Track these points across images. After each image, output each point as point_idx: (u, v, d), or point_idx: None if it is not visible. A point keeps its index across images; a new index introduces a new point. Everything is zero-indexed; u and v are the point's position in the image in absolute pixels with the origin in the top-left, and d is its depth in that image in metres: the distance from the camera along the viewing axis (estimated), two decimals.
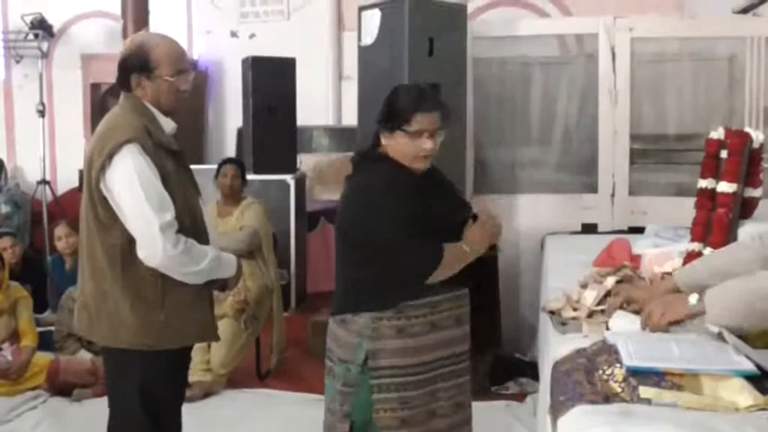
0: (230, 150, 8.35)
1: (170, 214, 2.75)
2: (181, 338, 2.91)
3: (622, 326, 2.67)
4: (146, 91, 2.88)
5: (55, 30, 8.61)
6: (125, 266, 2.79)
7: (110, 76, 8.60)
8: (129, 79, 2.88)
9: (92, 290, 2.87)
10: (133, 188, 2.72)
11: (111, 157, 2.73)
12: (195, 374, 5.02)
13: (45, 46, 8.60)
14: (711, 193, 3.32)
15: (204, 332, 3.02)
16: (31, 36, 8.45)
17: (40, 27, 8.40)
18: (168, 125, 2.95)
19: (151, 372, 2.87)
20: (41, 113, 8.33)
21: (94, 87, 8.35)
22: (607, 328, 2.67)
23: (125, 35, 5.87)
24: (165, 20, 7.81)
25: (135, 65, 2.87)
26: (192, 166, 3.06)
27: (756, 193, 3.30)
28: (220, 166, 5.56)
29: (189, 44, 8.74)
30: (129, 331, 2.81)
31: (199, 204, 2.99)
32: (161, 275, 2.80)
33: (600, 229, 5.47)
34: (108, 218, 2.79)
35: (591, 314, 2.90)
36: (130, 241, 2.77)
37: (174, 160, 2.89)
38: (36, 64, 8.54)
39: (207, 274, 2.87)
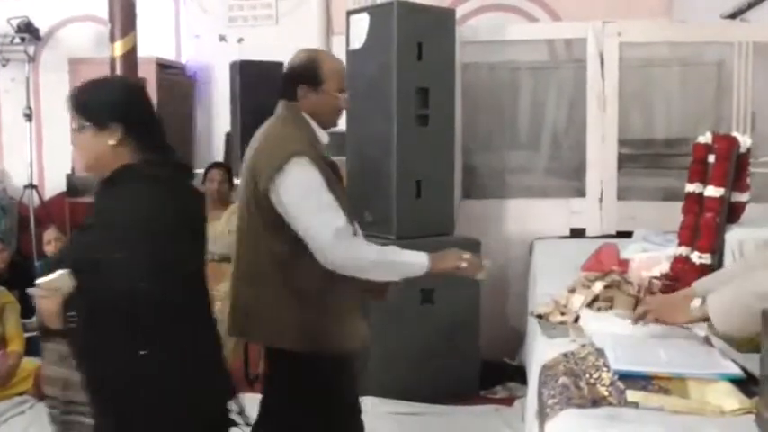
0: (219, 155, 8.31)
1: (342, 219, 2.82)
2: (339, 344, 2.95)
3: (598, 327, 2.68)
4: (309, 102, 2.98)
5: (42, 33, 8.56)
6: (289, 272, 2.87)
7: None
8: (295, 89, 2.98)
9: (252, 294, 2.97)
10: (307, 197, 2.80)
11: (281, 167, 2.79)
12: None
13: (32, 50, 8.54)
14: (699, 198, 3.34)
15: (362, 339, 3.04)
16: (17, 40, 8.39)
17: (27, 31, 8.35)
18: (324, 138, 3.04)
19: (312, 374, 2.93)
20: (28, 118, 8.29)
21: None
22: None
23: (112, 39, 5.83)
24: (152, 24, 7.79)
25: (304, 76, 2.98)
26: None
27: (743, 197, 3.30)
28: (207, 170, 5.55)
29: (177, 48, 8.72)
30: (290, 334, 2.88)
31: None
32: (323, 282, 2.86)
33: (588, 234, 5.48)
34: (276, 225, 2.85)
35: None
36: (294, 247, 2.83)
37: (332, 172, 2.98)
38: (23, 68, 8.49)
39: (385, 270, 2.89)
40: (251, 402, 4.96)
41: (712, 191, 3.23)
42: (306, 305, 2.88)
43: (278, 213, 2.84)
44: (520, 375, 4.92)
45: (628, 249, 3.85)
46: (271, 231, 2.87)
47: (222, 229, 5.32)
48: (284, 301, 2.88)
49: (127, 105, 2.48)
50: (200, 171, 5.73)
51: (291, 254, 2.85)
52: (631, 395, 2.09)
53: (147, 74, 7.73)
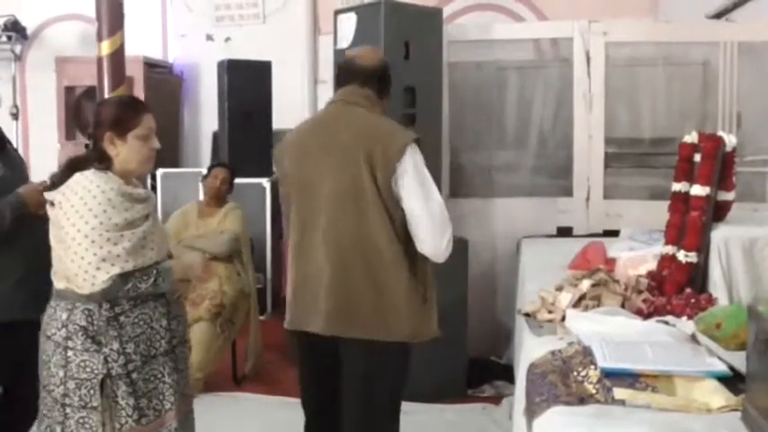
0: (206, 154, 8.30)
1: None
2: (432, 331, 2.98)
3: (582, 327, 2.69)
4: (385, 104, 3.06)
5: (28, 32, 8.55)
6: (411, 259, 2.86)
7: (84, 78, 8.53)
8: (388, 88, 3.05)
9: (366, 285, 2.85)
10: (426, 182, 2.86)
11: (402, 152, 2.82)
12: None
13: (18, 48, 8.53)
14: (685, 197, 3.35)
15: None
16: (4, 38, 8.37)
17: (14, 29, 8.34)
18: None
19: (404, 364, 2.98)
20: (15, 116, 8.28)
21: (69, 90, 8.29)
22: None
23: (99, 38, 5.81)
24: (140, 23, 7.78)
25: (386, 77, 3.07)
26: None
27: (729, 196, 3.32)
28: (212, 167, 5.57)
29: (164, 47, 8.71)
30: (407, 325, 2.87)
31: None
32: (432, 269, 2.91)
33: (575, 233, 5.49)
34: (396, 212, 2.84)
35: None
36: (408, 233, 2.84)
37: None
38: (9, 66, 8.48)
39: None
40: (238, 401, 4.99)
41: (698, 190, 3.25)
42: (418, 295, 2.87)
43: (396, 201, 2.83)
44: (507, 374, 4.94)
45: (614, 248, 3.87)
46: (394, 218, 2.83)
47: (215, 228, 5.31)
48: (404, 292, 2.84)
49: None
50: (187, 170, 5.72)
51: (408, 239, 2.84)
52: (618, 393, 2.11)
53: (135, 73, 7.72)
